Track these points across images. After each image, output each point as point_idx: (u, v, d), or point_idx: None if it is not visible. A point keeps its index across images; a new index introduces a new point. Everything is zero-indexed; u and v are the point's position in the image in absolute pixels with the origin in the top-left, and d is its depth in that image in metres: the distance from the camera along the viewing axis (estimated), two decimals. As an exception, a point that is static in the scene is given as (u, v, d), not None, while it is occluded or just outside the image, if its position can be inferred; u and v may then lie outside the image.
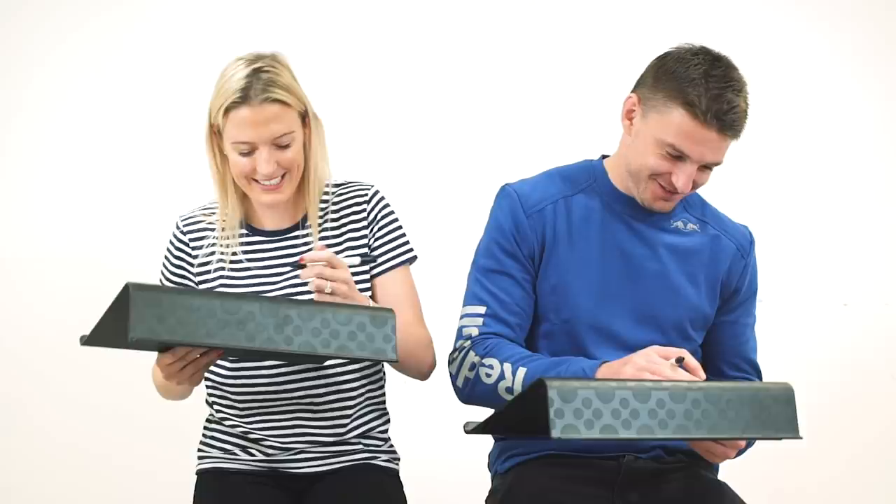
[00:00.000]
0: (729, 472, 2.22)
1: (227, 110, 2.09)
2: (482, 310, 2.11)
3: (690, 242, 2.16)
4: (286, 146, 2.12)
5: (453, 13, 3.25)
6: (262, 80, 2.08)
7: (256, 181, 2.13)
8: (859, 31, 3.34)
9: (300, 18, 3.20)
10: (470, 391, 2.08)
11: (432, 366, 2.26)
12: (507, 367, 2.02)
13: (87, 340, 1.89)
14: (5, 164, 3.13)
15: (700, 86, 1.98)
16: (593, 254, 2.11)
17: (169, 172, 3.09)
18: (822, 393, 3.17)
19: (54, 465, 3.08)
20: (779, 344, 3.01)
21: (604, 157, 2.21)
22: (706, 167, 2.05)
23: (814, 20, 3.34)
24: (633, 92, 2.10)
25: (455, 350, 2.13)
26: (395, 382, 2.37)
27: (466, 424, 1.85)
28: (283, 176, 2.14)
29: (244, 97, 2.08)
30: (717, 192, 2.29)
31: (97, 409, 3.03)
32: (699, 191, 2.22)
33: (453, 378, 2.12)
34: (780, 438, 1.83)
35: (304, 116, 2.17)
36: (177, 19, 3.18)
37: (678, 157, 2.02)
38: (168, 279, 2.25)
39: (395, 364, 2.17)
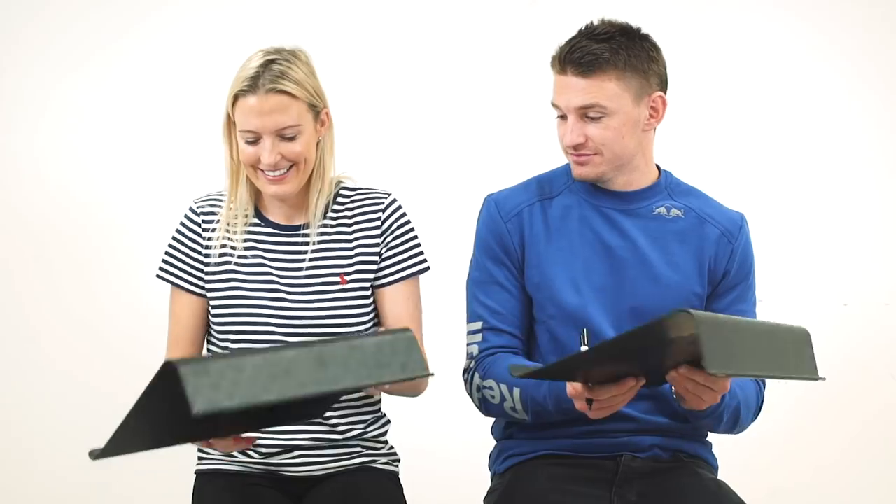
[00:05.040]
0: (727, 471, 2.22)
1: (236, 98, 2.12)
2: (479, 325, 2.17)
3: (673, 228, 2.16)
4: (291, 138, 2.13)
5: (456, 17, 3.26)
6: (273, 72, 2.11)
7: (262, 171, 2.14)
8: (862, 30, 3.34)
9: (300, 22, 3.22)
10: (486, 411, 2.18)
11: (425, 386, 2.25)
12: (504, 388, 2.09)
13: (101, 454, 1.64)
14: (10, 162, 3.15)
15: (562, 44, 2.09)
16: (574, 247, 2.13)
17: (185, 166, 3.11)
18: (821, 393, 3.17)
19: (54, 465, 3.08)
20: (778, 344, 3.01)
21: None
22: (589, 117, 2.07)
23: (814, 17, 3.34)
24: None
25: (465, 371, 2.19)
26: (395, 382, 2.37)
27: (513, 368, 1.90)
28: (290, 168, 2.14)
29: (252, 86, 2.10)
30: (719, 191, 2.29)
31: (97, 407, 3.03)
32: (690, 181, 2.21)
33: (471, 397, 2.19)
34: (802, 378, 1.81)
35: (319, 113, 2.17)
36: (187, 16, 3.19)
37: (563, 115, 2.10)
38: (176, 257, 2.23)
39: (394, 386, 2.07)
